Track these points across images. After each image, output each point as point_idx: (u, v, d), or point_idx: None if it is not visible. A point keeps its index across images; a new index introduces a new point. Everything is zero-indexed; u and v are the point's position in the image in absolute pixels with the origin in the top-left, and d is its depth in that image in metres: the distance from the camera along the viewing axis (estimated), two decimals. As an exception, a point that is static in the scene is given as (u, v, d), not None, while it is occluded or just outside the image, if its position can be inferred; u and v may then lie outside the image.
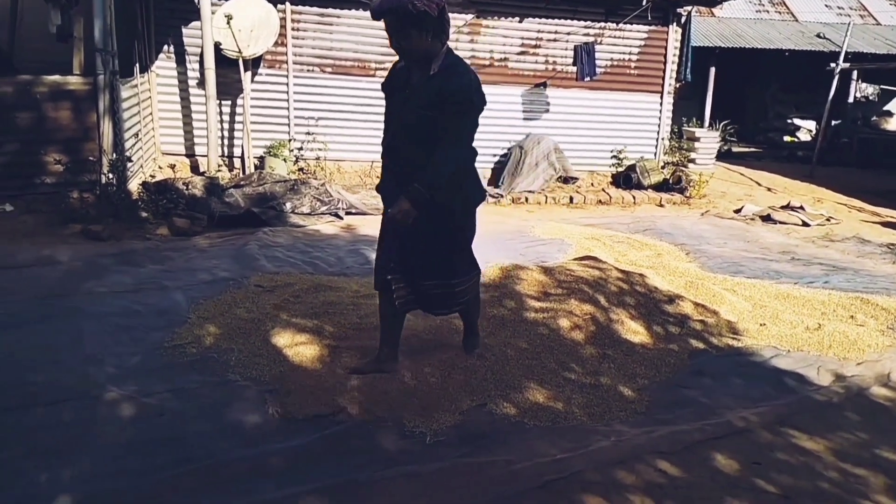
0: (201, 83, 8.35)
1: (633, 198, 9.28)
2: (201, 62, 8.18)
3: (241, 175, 8.25)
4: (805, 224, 8.20)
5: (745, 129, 15.43)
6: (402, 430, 2.97)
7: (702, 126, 12.53)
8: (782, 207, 8.84)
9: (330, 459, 2.76)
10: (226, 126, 8.80)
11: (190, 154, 8.79)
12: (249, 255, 5.46)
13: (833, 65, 12.37)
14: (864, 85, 16.96)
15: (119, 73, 6.56)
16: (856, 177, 12.17)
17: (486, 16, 9.21)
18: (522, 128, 9.61)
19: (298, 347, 3.61)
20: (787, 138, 16.35)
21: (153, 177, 7.43)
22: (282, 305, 4.22)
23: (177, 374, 3.36)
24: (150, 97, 8.29)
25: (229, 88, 8.55)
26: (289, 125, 8.84)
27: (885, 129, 15.08)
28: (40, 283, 4.57)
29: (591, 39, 9.46)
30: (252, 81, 8.58)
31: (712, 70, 14.26)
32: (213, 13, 7.88)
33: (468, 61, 9.61)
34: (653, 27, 9.73)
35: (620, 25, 9.58)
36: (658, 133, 10.13)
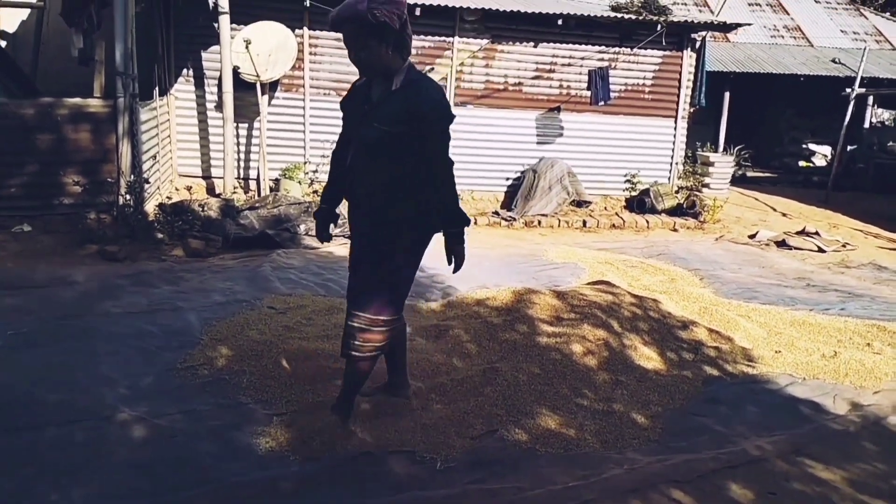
0: (219, 106, 8.46)
1: (647, 222, 9.26)
2: (219, 86, 8.30)
3: (256, 197, 8.32)
4: (821, 250, 8.14)
5: (760, 154, 15.38)
6: (413, 456, 2.96)
7: (716, 151, 12.50)
8: (797, 233, 8.78)
9: (340, 484, 2.75)
10: (242, 148, 8.90)
11: (206, 176, 8.88)
12: (263, 277, 5.48)
13: (848, 90, 12.34)
14: (880, 110, 16.88)
15: (139, 96, 6.67)
16: (872, 202, 12.07)
17: (501, 41, 9.29)
18: (536, 151, 9.64)
19: (310, 370, 3.61)
20: (802, 163, 16.27)
21: (170, 198, 7.52)
22: (294, 327, 4.23)
23: (189, 396, 3.36)
24: (168, 120, 8.41)
25: (246, 111, 8.66)
26: (304, 148, 8.94)
27: (902, 154, 14.97)
28: (56, 303, 4.61)
29: (606, 64, 9.51)
30: (269, 105, 8.69)
31: (727, 95, 14.25)
32: (232, 38, 8.02)
33: (482, 86, 9.70)
34: (667, 52, 9.78)
35: (635, 50, 9.63)
36: (672, 157, 10.13)
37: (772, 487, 2.90)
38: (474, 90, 9.34)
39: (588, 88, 9.43)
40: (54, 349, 3.84)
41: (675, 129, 10.05)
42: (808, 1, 18.33)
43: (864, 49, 12.68)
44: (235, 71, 8.15)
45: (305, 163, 8.86)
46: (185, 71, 8.60)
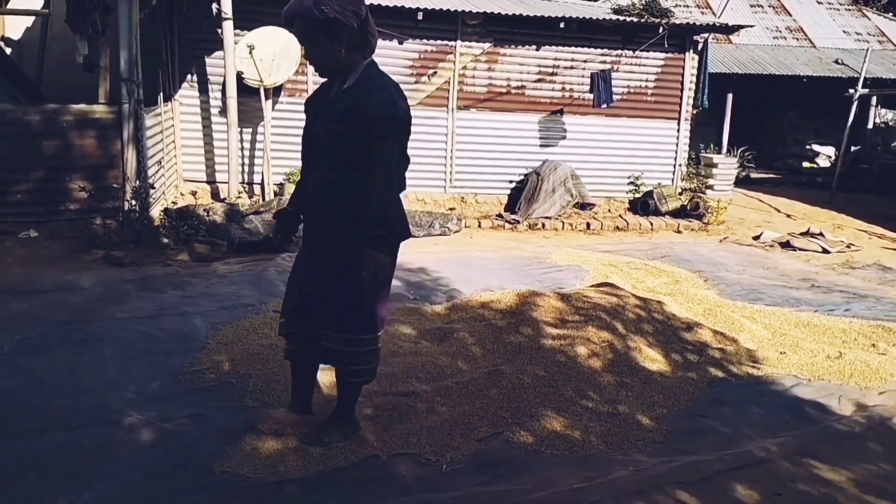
0: (223, 111, 8.50)
1: (651, 224, 9.26)
2: (223, 91, 8.34)
3: (260, 201, 8.35)
4: (825, 251, 8.13)
5: (763, 156, 15.36)
6: (418, 459, 2.97)
7: (719, 152, 12.49)
8: (802, 234, 8.77)
9: (345, 487, 2.76)
10: (246, 153, 8.93)
11: (211, 181, 8.92)
12: (268, 281, 5.50)
13: (852, 91, 12.33)
14: (883, 111, 16.86)
15: (143, 102, 6.70)
16: (876, 203, 12.05)
17: (504, 44, 9.31)
18: (539, 154, 9.65)
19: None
20: (806, 164, 16.26)
21: (175, 203, 7.55)
22: (300, 331, 4.24)
23: (195, 400, 3.38)
24: (172, 125, 8.44)
25: (250, 116, 8.69)
26: (308, 152, 8.95)
27: (906, 154, 14.95)
28: (63, 308, 4.63)
29: (608, 67, 9.52)
30: (273, 109, 8.72)
31: (730, 96, 14.27)
32: (235, 43, 8.05)
33: (485, 89, 9.71)
34: (669, 54, 9.79)
35: (637, 53, 9.65)
36: (675, 159, 10.14)
37: (777, 488, 2.91)
38: (477, 94, 9.36)
39: (591, 91, 9.44)
40: (61, 354, 3.87)
41: (678, 130, 10.05)
42: (811, 2, 18.33)
43: (867, 50, 12.68)
44: (239, 76, 8.18)
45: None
46: (189, 77, 8.64)
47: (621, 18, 9.32)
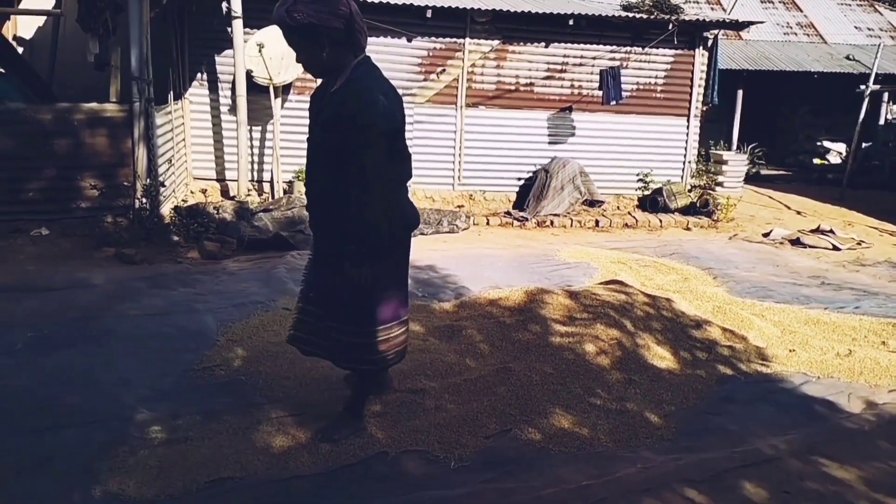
0: (233, 110, 8.54)
1: (660, 221, 9.24)
2: (233, 89, 8.38)
3: (270, 199, 8.39)
4: (835, 248, 8.09)
5: (773, 152, 15.30)
6: (427, 456, 2.98)
7: (729, 149, 12.45)
8: (812, 231, 8.73)
9: (354, 484, 2.78)
10: (256, 151, 8.97)
11: (220, 179, 8.96)
12: (278, 279, 5.53)
13: (863, 87, 12.25)
14: (895, 107, 16.73)
15: (154, 101, 6.74)
16: (887, 200, 11.96)
17: (513, 41, 9.30)
18: (548, 151, 9.64)
19: (324, 371, 3.64)
20: (816, 161, 16.16)
21: (185, 201, 7.59)
22: (309, 329, 4.26)
23: (206, 397, 3.41)
24: (183, 123, 8.49)
25: (260, 114, 8.73)
26: (317, 150, 8.98)
27: (918, 151, 14.82)
28: (74, 306, 4.67)
29: (617, 64, 9.49)
30: (282, 108, 8.75)
31: (740, 93, 14.19)
32: (245, 42, 8.09)
33: (494, 86, 9.69)
34: (679, 51, 9.75)
35: (646, 50, 9.61)
36: (685, 156, 10.10)
37: (786, 486, 2.90)
38: (486, 91, 9.35)
39: (600, 88, 9.42)
40: (73, 351, 3.90)
41: (688, 127, 10.02)
42: (822, -3, 18.20)
43: (879, 45, 12.58)
44: (249, 74, 8.21)
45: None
46: (199, 75, 8.68)
47: (631, 15, 9.29)
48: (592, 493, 2.76)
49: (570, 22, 9.01)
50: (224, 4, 7.99)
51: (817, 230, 8.74)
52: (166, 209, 7.03)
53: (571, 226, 8.95)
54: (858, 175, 13.25)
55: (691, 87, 9.90)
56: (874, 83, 12.15)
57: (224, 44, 8.41)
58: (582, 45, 9.49)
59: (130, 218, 6.52)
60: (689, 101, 9.94)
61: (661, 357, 4.11)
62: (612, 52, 9.57)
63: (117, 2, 6.93)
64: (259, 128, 8.90)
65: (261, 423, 3.15)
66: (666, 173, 10.03)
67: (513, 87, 9.42)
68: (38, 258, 5.87)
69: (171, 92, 7.92)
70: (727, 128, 14.10)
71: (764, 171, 14.41)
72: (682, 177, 10.13)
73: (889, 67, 14.08)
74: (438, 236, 7.86)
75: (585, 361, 3.91)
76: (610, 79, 9.28)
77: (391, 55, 8.84)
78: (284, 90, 8.76)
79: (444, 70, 9.14)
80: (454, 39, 9.12)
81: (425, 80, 9.08)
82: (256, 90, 8.41)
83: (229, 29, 8.03)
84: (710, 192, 10.15)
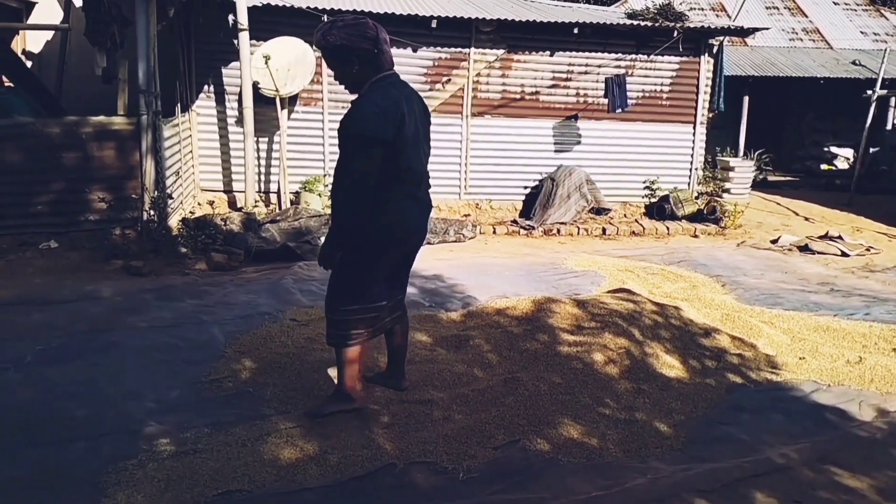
0: (240, 121, 8.58)
1: (667, 229, 9.22)
2: (240, 101, 8.42)
3: (277, 210, 8.41)
4: (844, 254, 8.05)
5: (781, 158, 15.26)
6: (435, 467, 2.97)
7: (736, 155, 12.42)
8: (820, 237, 8.69)
9: (362, 495, 2.77)
10: (263, 162, 9.00)
11: (228, 190, 8.99)
12: (285, 290, 5.54)
13: (870, 92, 12.21)
14: (902, 111, 16.67)
15: (161, 113, 6.78)
16: (896, 205, 11.92)
17: (518, 51, 9.32)
18: (554, 160, 9.65)
19: (332, 382, 3.63)
20: (824, 167, 16.11)
21: (192, 213, 7.62)
22: (316, 339, 4.26)
23: (214, 409, 3.41)
24: (190, 135, 8.53)
25: (266, 126, 8.77)
26: (324, 161, 9.02)
27: (927, 155, 14.76)
28: (83, 319, 4.69)
29: (623, 71, 9.50)
30: (289, 119, 8.78)
31: (746, 99, 14.18)
32: (251, 54, 8.13)
33: (499, 96, 9.71)
34: (684, 58, 9.75)
35: (651, 57, 9.62)
36: (691, 163, 10.08)
37: (797, 496, 2.88)
38: (491, 100, 9.37)
39: (605, 96, 9.41)
40: (82, 364, 3.91)
41: (694, 134, 10.00)
42: (827, 3, 18.19)
43: (885, 50, 12.54)
44: (255, 86, 8.26)
45: (325, 175, 8.93)
46: (206, 87, 8.73)
47: (635, 23, 9.30)
48: (602, 504, 2.74)
49: (575, 30, 9.03)
50: (231, 17, 8.05)
51: (826, 236, 8.70)
52: (174, 221, 7.06)
53: (578, 234, 8.94)
54: (866, 180, 13.20)
55: (697, 93, 9.89)
56: (881, 88, 12.11)
57: (231, 56, 8.46)
58: (587, 54, 9.50)
59: (138, 230, 6.55)
60: (695, 108, 9.93)
61: (669, 366, 4.09)
62: (617, 59, 9.58)
63: (125, 15, 6.97)
64: (266, 139, 8.94)
65: (269, 435, 3.15)
66: (672, 180, 10.02)
67: (518, 96, 9.44)
68: (46, 271, 5.89)
69: (179, 104, 7.97)
70: (733, 134, 14.08)
71: (771, 178, 14.37)
72: (688, 184, 10.11)
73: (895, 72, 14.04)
74: (445, 245, 7.86)
75: (594, 371, 3.90)
76: (615, 86, 9.28)
77: (397, 66, 8.79)
78: (291, 101, 8.80)
79: (449, 80, 9.17)
80: (459, 49, 9.15)
81: (431, 89, 9.10)
82: (263, 102, 8.45)
83: (236, 41, 8.08)
84: (718, 198, 10.12)
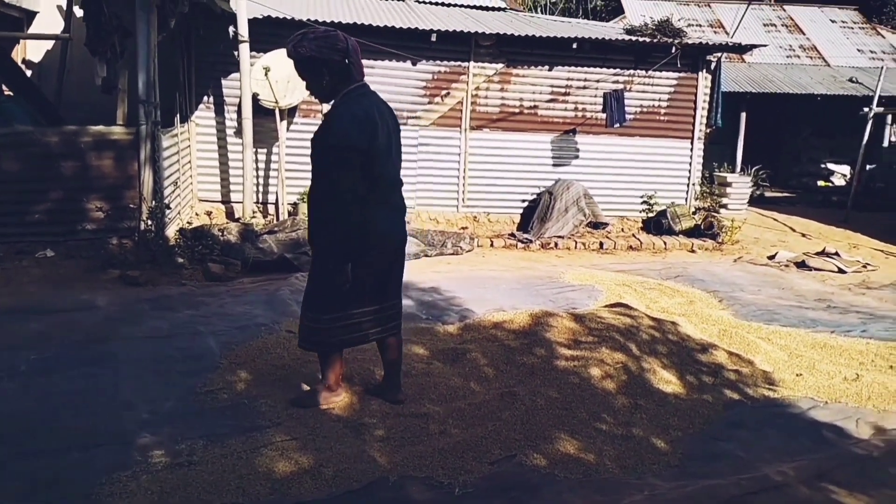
0: (238, 132, 8.60)
1: (664, 243, 9.23)
2: (239, 112, 8.44)
3: (275, 221, 8.41)
4: (841, 271, 8.06)
5: (777, 174, 15.32)
6: (430, 482, 2.95)
7: (733, 171, 12.47)
8: (817, 254, 8.71)
9: (358, 509, 2.75)
10: (261, 173, 9.01)
11: (226, 201, 8.99)
12: (282, 301, 5.52)
13: (866, 109, 12.28)
14: (899, 129, 16.76)
15: (160, 124, 6.78)
16: (892, 222, 11.92)
17: (516, 65, 9.36)
18: (552, 173, 9.67)
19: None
20: (820, 183, 16.17)
21: (190, 223, 7.61)
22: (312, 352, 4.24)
23: (209, 421, 3.39)
24: (188, 146, 8.54)
25: (265, 137, 8.78)
26: (322, 172, 9.01)
27: (923, 173, 14.81)
28: (79, 328, 4.67)
29: (621, 87, 9.55)
30: (287, 130, 8.80)
31: (743, 115, 14.25)
32: (251, 66, 8.16)
33: (498, 109, 9.75)
34: (682, 74, 9.80)
35: (650, 73, 9.67)
36: (689, 178, 10.11)
37: (795, 514, 2.86)
38: (490, 114, 9.40)
39: (603, 111, 9.45)
40: (76, 374, 3.89)
41: (692, 149, 10.04)
42: (824, 21, 18.34)
43: (882, 68, 12.63)
44: (255, 97, 8.28)
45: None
46: (205, 98, 8.75)
47: (634, 39, 9.36)
48: (598, 521, 2.72)
49: (574, 45, 9.08)
50: (231, 29, 8.08)
51: (823, 253, 8.71)
52: (171, 231, 7.05)
53: (576, 248, 8.94)
54: (863, 197, 13.23)
55: (695, 109, 9.95)
56: (877, 105, 12.18)
57: (230, 67, 8.49)
58: (585, 69, 9.55)
59: (135, 240, 6.54)
60: (693, 124, 9.97)
61: (667, 381, 4.08)
62: (615, 74, 9.63)
63: (125, 26, 7.00)
64: (264, 150, 8.95)
65: (264, 447, 3.13)
66: (670, 195, 10.04)
67: (517, 110, 9.47)
68: (42, 280, 5.87)
69: (178, 115, 7.98)
70: (731, 150, 14.14)
71: (768, 194, 14.42)
72: (686, 199, 10.13)
73: (892, 90, 14.14)
74: (442, 258, 7.86)
75: (591, 386, 3.89)
76: (613, 101, 9.32)
77: (396, 78, 8.91)
78: (290, 113, 8.82)
79: (448, 93, 9.20)
80: (458, 63, 9.19)
81: (430, 102, 9.14)
82: (262, 113, 8.47)
83: (236, 53, 8.11)
84: (715, 214, 10.15)
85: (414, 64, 8.99)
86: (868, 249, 9.62)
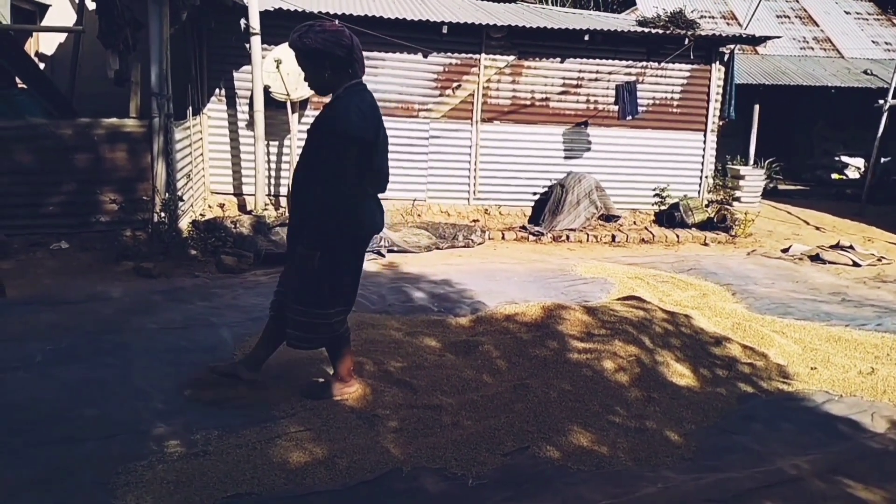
0: (250, 125, 8.61)
1: (677, 236, 9.18)
2: (251, 105, 8.45)
3: (286, 213, 8.42)
4: (856, 264, 8.00)
5: (791, 167, 15.19)
6: (444, 473, 2.96)
7: (746, 164, 12.38)
8: (831, 247, 8.64)
9: (371, 500, 2.76)
10: (273, 166, 9.03)
11: (238, 193, 9.02)
12: (294, 293, 5.53)
13: (881, 101, 12.15)
14: (914, 121, 16.57)
15: (173, 116, 6.80)
16: (908, 215, 11.83)
17: (528, 57, 9.32)
18: (563, 166, 9.63)
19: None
20: (834, 176, 16.03)
21: (202, 215, 7.64)
22: (325, 343, 4.26)
23: (222, 411, 3.41)
24: (201, 138, 8.56)
25: (277, 129, 8.79)
26: (333, 165, 9.02)
27: (938, 166, 14.65)
28: (93, 319, 4.70)
29: (633, 79, 9.48)
30: (299, 123, 8.80)
31: (756, 107, 14.13)
32: (263, 58, 8.16)
33: (509, 101, 9.71)
34: (695, 66, 9.73)
35: (662, 64, 9.60)
36: (702, 171, 10.04)
37: (810, 507, 2.85)
38: (501, 106, 9.37)
39: (615, 103, 9.40)
40: (91, 364, 3.92)
41: (705, 142, 9.97)
42: (839, 12, 18.14)
43: (898, 60, 12.48)
44: (266, 90, 8.28)
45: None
46: (217, 91, 8.77)
47: (646, 30, 9.29)
48: (612, 513, 2.72)
49: (586, 37, 9.02)
50: (242, 21, 8.08)
51: (837, 246, 8.65)
52: (184, 223, 7.08)
53: (587, 241, 8.91)
54: (877, 190, 13.11)
55: (708, 101, 9.87)
56: (892, 97, 12.04)
57: (242, 60, 8.49)
58: (597, 60, 9.50)
59: (149, 232, 6.57)
60: (706, 116, 9.90)
61: (680, 374, 4.07)
62: (627, 66, 9.57)
63: (137, 19, 7.01)
64: (276, 142, 8.96)
65: (278, 438, 3.15)
66: (682, 188, 9.98)
67: (528, 102, 9.43)
68: (57, 271, 5.91)
69: (190, 107, 8.00)
70: (744, 142, 14.03)
71: (781, 186, 14.31)
72: (698, 192, 10.07)
73: (908, 82, 13.95)
74: (454, 251, 7.85)
75: (604, 378, 3.88)
76: (626, 93, 9.26)
77: (407, 70, 8.89)
78: (301, 105, 8.83)
79: (459, 85, 9.17)
80: (470, 55, 9.15)
81: (441, 95, 9.11)
82: (274, 105, 8.48)
83: (247, 45, 8.11)
84: (728, 207, 10.08)
85: (425, 56, 8.96)
86: (883, 243, 9.54)
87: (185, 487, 2.74)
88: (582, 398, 3.66)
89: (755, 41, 10.66)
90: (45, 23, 9.95)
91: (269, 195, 8.98)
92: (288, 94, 8.34)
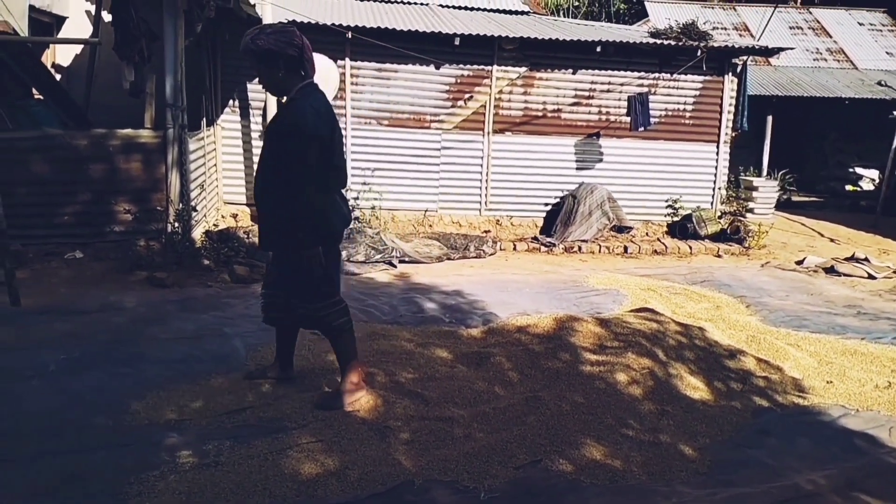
0: (263, 136, 8.65)
1: (690, 248, 9.14)
2: (264, 115, 8.51)
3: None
4: (871, 276, 7.92)
5: (805, 179, 15.10)
6: (455, 486, 2.94)
7: (760, 175, 12.31)
8: (846, 259, 8.57)
9: (384, 512, 2.75)
10: (285, 176, 9.05)
11: (251, 203, 9.05)
12: (306, 303, 5.53)
13: (895, 112, 12.08)
14: (929, 133, 16.44)
15: (187, 127, 6.86)
16: (924, 227, 11.72)
17: (540, 68, 9.33)
18: (575, 177, 9.62)
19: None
20: (849, 187, 15.92)
21: (216, 226, 7.67)
22: (337, 354, 4.25)
23: (235, 422, 3.40)
24: (214, 149, 8.61)
25: (289, 140, 8.82)
26: (348, 176, 9.04)
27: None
28: (106, 328, 4.72)
29: (645, 90, 9.47)
30: (311, 133, 8.83)
31: (769, 119, 14.07)
32: (275, 69, 8.20)
33: (521, 113, 9.70)
34: (708, 77, 9.71)
35: (675, 76, 9.59)
36: (714, 182, 10.00)
37: (827, 524, 2.81)
38: (513, 117, 9.38)
39: (628, 114, 9.39)
40: (104, 373, 3.93)
41: (718, 153, 9.93)
42: (852, 23, 18.07)
43: (912, 71, 12.41)
44: (279, 101, 8.33)
45: (347, 190, 8.95)
46: (231, 102, 8.83)
47: (659, 42, 9.29)
48: (626, 528, 2.69)
49: (598, 49, 9.03)
50: (256, 33, 8.13)
51: (852, 258, 8.57)
52: (198, 233, 7.11)
53: (599, 252, 8.88)
54: (893, 202, 13.00)
55: (720, 112, 9.84)
56: (907, 109, 11.96)
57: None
58: (609, 72, 9.50)
59: (163, 242, 6.60)
60: (719, 127, 9.87)
61: (694, 387, 4.03)
62: (640, 78, 9.56)
63: (153, 31, 7.09)
64: (288, 153, 8.99)
65: (289, 449, 3.14)
66: (695, 199, 9.94)
67: (540, 114, 9.44)
68: (71, 281, 5.95)
69: (204, 118, 8.06)
70: (757, 154, 13.97)
71: (795, 198, 14.23)
72: (711, 203, 10.02)
73: (923, 93, 13.88)
74: (465, 261, 7.84)
75: (617, 391, 3.85)
76: (638, 105, 9.25)
77: (420, 82, 8.93)
78: (314, 116, 8.86)
79: (471, 97, 9.19)
80: (482, 66, 9.18)
81: (453, 106, 9.13)
82: (287, 116, 8.52)
83: (261, 57, 8.15)
84: (741, 218, 10.02)
85: (437, 68, 8.99)
86: (898, 255, 9.45)
87: (196, 498, 2.74)
88: (595, 411, 3.63)
89: (768, 52, 10.62)
90: (61, 35, 10.07)
91: (281, 205, 8.99)
92: (301, 106, 8.38)
